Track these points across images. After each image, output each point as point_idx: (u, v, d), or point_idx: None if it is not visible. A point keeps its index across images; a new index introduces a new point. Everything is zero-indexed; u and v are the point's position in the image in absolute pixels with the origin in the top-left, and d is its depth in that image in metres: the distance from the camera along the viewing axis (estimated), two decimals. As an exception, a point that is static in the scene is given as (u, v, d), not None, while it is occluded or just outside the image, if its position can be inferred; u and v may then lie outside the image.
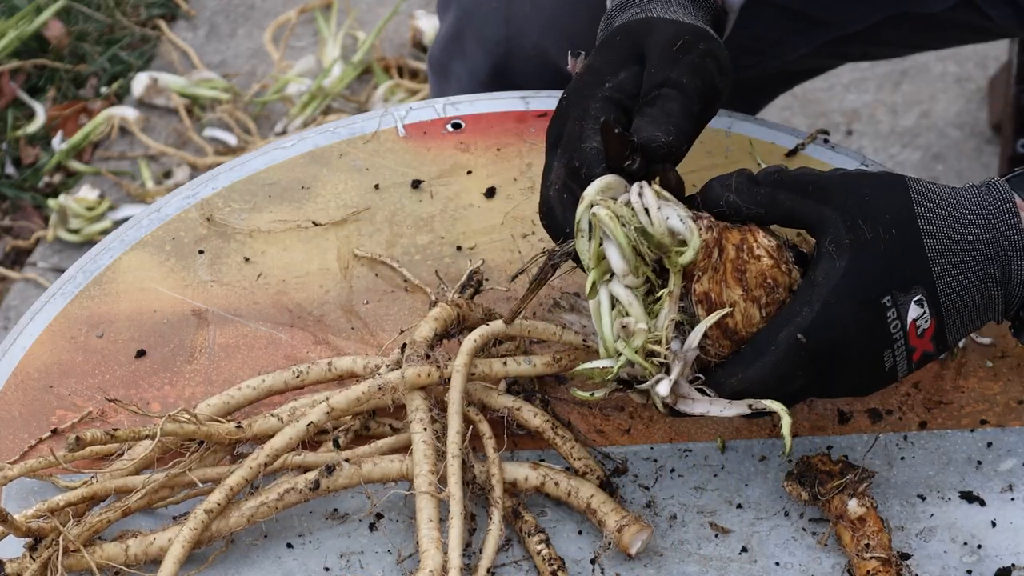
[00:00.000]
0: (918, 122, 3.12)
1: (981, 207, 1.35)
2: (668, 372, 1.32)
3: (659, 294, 1.33)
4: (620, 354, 1.33)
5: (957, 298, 1.34)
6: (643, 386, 1.34)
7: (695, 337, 1.32)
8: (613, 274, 1.33)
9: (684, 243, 1.32)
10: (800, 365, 1.32)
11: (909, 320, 1.32)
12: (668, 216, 1.32)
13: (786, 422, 1.31)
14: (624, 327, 1.33)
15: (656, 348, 1.32)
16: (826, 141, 1.68)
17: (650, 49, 1.41)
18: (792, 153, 1.67)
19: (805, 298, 1.31)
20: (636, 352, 1.32)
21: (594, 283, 1.34)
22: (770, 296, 1.33)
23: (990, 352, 1.53)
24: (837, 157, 1.67)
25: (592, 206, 1.33)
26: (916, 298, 1.32)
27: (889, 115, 3.14)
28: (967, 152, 3.07)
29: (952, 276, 1.33)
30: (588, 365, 1.35)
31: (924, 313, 1.33)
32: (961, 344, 1.52)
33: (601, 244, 1.33)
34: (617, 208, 1.32)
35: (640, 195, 1.33)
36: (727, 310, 1.32)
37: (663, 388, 1.32)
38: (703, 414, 1.33)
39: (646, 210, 1.32)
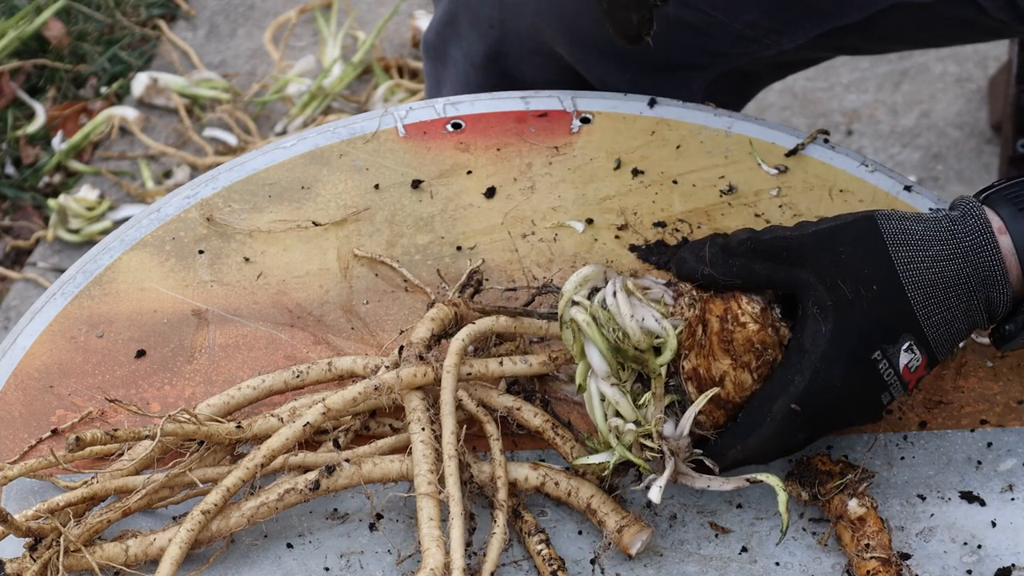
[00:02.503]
0: (918, 122, 3.12)
1: (958, 240, 1.35)
2: (663, 464, 1.34)
3: (647, 392, 1.34)
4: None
5: (944, 331, 1.35)
6: (638, 487, 1.36)
7: (685, 424, 1.33)
8: None
9: (660, 336, 1.33)
10: (797, 429, 1.34)
11: (901, 366, 1.34)
12: (643, 318, 1.33)
13: (782, 498, 1.32)
14: (615, 426, 1.34)
15: (647, 443, 1.33)
16: (826, 141, 1.68)
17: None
18: (792, 153, 1.67)
19: (796, 366, 1.33)
20: (628, 448, 1.33)
21: (584, 377, 1.35)
22: (760, 359, 1.34)
23: (990, 352, 1.53)
24: (837, 157, 1.67)
25: (570, 303, 1.34)
26: (906, 345, 1.34)
27: (889, 115, 3.14)
28: (967, 152, 3.07)
29: (938, 314, 1.34)
30: (583, 461, 1.37)
31: (915, 355, 1.34)
32: (961, 344, 1.52)
33: (583, 342, 1.34)
34: (594, 310, 1.33)
35: (615, 295, 1.33)
36: (714, 391, 1.33)
37: (654, 495, 1.34)
38: (704, 488, 1.36)
39: (620, 312, 1.33)
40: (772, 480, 1.33)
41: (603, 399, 1.35)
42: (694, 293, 1.35)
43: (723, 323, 1.34)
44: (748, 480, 1.34)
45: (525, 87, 1.83)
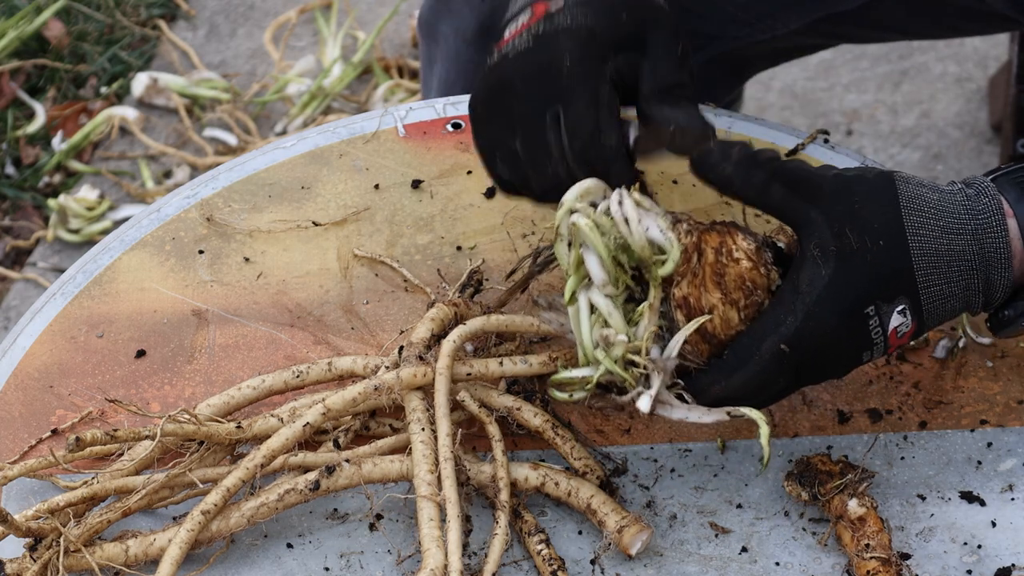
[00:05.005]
0: (918, 122, 3.12)
1: (970, 216, 1.35)
2: (648, 383, 1.33)
3: (640, 306, 1.33)
4: (599, 362, 1.33)
5: (939, 305, 1.35)
6: (623, 399, 1.34)
7: (674, 346, 1.32)
8: (592, 281, 1.33)
9: (663, 251, 1.32)
10: (782, 372, 1.32)
11: (891, 327, 1.33)
12: (648, 227, 1.32)
13: (764, 431, 1.31)
14: (604, 337, 1.33)
15: (636, 358, 1.32)
16: (826, 141, 1.68)
17: (655, 46, 1.40)
18: (792, 153, 1.67)
19: (789, 306, 1.31)
20: (616, 362, 1.32)
21: (574, 290, 1.34)
22: (749, 299, 1.33)
23: (990, 352, 1.53)
24: (837, 157, 1.67)
25: (571, 213, 1.33)
26: (899, 308, 1.33)
27: (889, 115, 3.14)
28: (967, 152, 3.07)
29: (937, 286, 1.34)
30: (567, 374, 1.35)
31: (906, 320, 1.34)
32: (961, 344, 1.52)
33: (581, 251, 1.33)
34: (597, 217, 1.32)
35: (620, 204, 1.32)
36: (706, 318, 1.32)
37: (644, 404, 1.32)
38: (682, 419, 1.34)
39: (626, 220, 1.32)
40: (754, 414, 1.32)
41: (592, 313, 1.34)
42: (692, 220, 1.34)
43: (717, 255, 1.33)
44: (729, 414, 1.33)
45: None
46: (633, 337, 1.32)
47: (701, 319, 1.31)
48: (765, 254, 1.34)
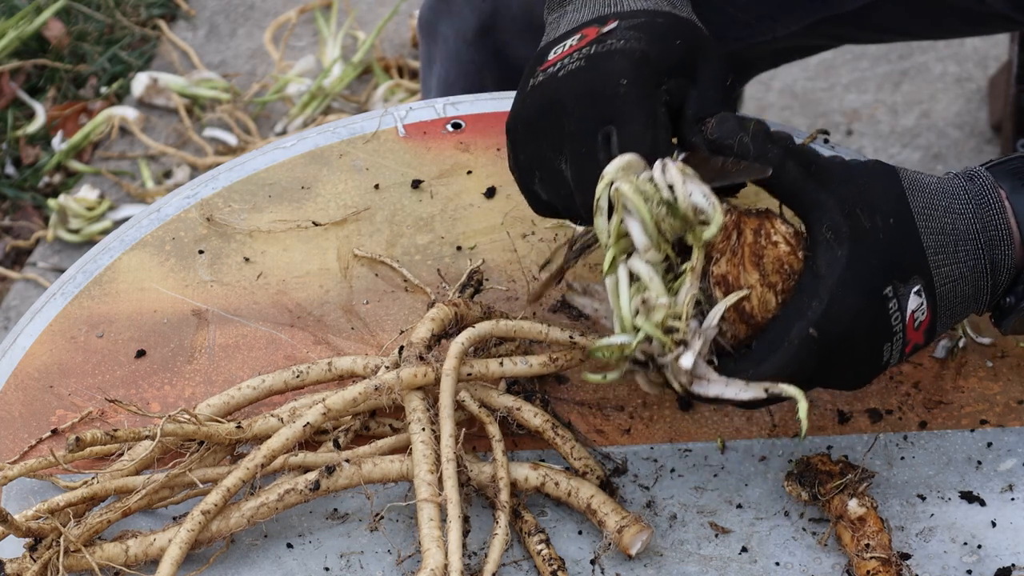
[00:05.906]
0: (918, 122, 3.12)
1: (969, 196, 1.36)
2: (687, 348, 1.32)
3: (680, 270, 1.32)
4: (638, 330, 1.32)
5: (951, 289, 1.35)
6: (664, 359, 1.32)
7: (715, 315, 1.31)
8: (632, 251, 1.33)
9: (706, 222, 1.32)
10: (812, 360, 1.32)
11: (909, 311, 1.33)
12: (692, 192, 1.32)
13: (803, 406, 1.30)
14: (644, 302, 1.32)
15: (676, 324, 1.31)
16: (826, 141, 1.68)
17: (704, 74, 1.39)
18: (792, 153, 1.67)
19: (811, 291, 1.31)
20: (656, 327, 1.31)
21: (613, 260, 1.33)
22: (786, 283, 1.33)
23: (990, 352, 1.53)
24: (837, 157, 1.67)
25: (612, 183, 1.32)
26: (915, 288, 1.33)
27: (889, 115, 3.14)
28: (967, 152, 3.07)
29: (947, 266, 1.34)
30: (605, 341, 1.34)
31: (922, 304, 1.33)
32: (961, 344, 1.52)
33: (622, 221, 1.32)
34: (640, 184, 1.32)
35: (664, 171, 1.32)
36: (746, 291, 1.32)
37: (686, 360, 1.31)
38: (718, 396, 1.32)
39: (670, 186, 1.32)
40: (792, 390, 1.31)
41: (631, 284, 1.33)
42: (731, 200, 1.34)
43: (756, 237, 1.33)
44: (767, 391, 1.32)
45: (517, 65, 1.82)
46: (674, 304, 1.32)
47: (740, 293, 1.31)
48: (803, 240, 1.34)
